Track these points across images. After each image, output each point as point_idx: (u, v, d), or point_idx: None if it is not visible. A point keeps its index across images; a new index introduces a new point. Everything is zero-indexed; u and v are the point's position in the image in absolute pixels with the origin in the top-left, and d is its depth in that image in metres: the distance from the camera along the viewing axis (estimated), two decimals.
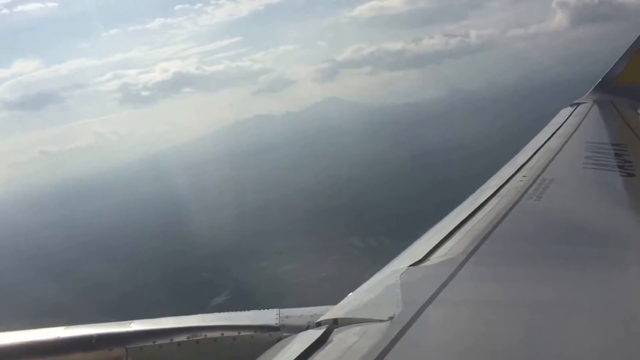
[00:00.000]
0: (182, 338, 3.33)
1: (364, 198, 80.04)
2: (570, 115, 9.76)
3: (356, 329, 2.82)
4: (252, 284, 51.63)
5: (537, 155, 7.10)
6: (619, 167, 6.68)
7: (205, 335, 3.34)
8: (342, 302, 3.38)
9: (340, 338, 2.78)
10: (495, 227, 4.42)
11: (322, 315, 3.24)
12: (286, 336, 3.34)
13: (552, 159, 6.87)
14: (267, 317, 3.55)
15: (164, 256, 69.87)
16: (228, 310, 3.72)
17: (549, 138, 8.09)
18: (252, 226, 78.23)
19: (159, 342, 3.31)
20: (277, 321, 3.48)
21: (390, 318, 2.81)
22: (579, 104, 10.56)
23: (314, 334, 2.91)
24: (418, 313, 2.85)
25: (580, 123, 9.06)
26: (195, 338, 3.33)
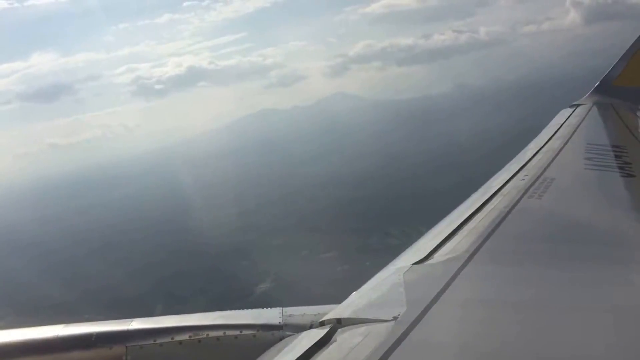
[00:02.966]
0: (184, 337, 3.32)
1: (381, 191, 79.76)
2: (569, 116, 9.79)
3: (360, 328, 2.81)
4: (294, 273, 50.53)
5: (537, 156, 7.15)
6: (619, 168, 6.73)
7: (207, 334, 3.33)
8: (345, 301, 3.38)
9: (344, 338, 2.78)
10: (497, 225, 4.47)
11: (326, 314, 3.23)
12: (289, 335, 3.33)
13: (553, 159, 6.89)
14: (270, 315, 3.54)
15: (190, 248, 68.68)
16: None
17: (549, 139, 8.12)
18: (276, 217, 77.48)
19: (160, 340, 3.29)
20: (280, 320, 3.47)
21: (395, 318, 2.80)
22: (578, 105, 10.59)
23: (317, 334, 2.92)
24: (423, 313, 2.83)
25: (579, 124, 9.07)
26: (197, 337, 3.32)
